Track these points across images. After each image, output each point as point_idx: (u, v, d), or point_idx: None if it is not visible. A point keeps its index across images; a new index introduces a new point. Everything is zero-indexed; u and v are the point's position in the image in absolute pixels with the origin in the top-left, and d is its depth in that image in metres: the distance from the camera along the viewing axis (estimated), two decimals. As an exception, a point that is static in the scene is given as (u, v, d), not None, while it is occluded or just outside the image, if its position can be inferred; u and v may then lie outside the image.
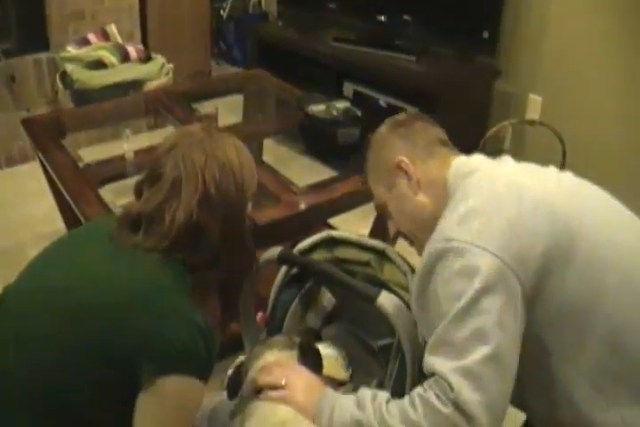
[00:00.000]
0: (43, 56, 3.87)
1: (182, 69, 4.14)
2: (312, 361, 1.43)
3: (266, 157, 3.46)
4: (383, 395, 1.26)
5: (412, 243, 1.51)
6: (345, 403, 1.27)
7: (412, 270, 1.56)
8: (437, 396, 1.13)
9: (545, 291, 1.16)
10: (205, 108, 2.82)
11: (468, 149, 1.48)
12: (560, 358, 1.19)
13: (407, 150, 1.39)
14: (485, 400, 1.09)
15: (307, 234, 1.80)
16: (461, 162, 1.37)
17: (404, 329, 1.41)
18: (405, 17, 3.12)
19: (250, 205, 1.35)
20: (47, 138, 2.43)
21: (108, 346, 1.13)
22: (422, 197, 1.38)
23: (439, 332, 1.14)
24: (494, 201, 1.21)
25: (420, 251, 1.47)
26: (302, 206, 1.95)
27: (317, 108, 2.12)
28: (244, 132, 2.73)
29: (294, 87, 2.84)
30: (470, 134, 2.89)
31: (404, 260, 1.62)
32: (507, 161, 1.39)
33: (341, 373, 1.62)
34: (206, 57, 4.61)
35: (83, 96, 3.53)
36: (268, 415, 1.25)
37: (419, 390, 1.19)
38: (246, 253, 1.35)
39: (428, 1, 3.13)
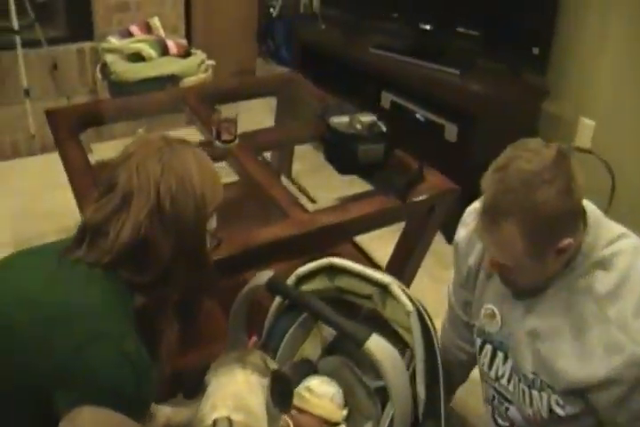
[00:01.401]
0: (86, 46, 3.87)
1: (226, 67, 4.08)
2: (282, 396, 1.32)
3: (297, 165, 3.36)
4: None
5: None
6: None
7: (417, 311, 1.47)
8: None
9: None
10: (237, 109, 2.71)
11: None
12: None
13: (574, 229, 1.29)
14: None
15: (324, 251, 1.68)
16: (597, 225, 1.34)
17: (392, 376, 1.33)
18: (452, 28, 2.95)
19: (214, 222, 1.25)
20: (65, 132, 2.36)
21: (25, 367, 1.05)
22: (558, 265, 1.33)
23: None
24: None
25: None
26: (310, 227, 1.82)
27: (339, 121, 1.98)
28: (275, 137, 2.64)
29: (328, 94, 2.73)
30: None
31: (410, 298, 1.51)
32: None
33: (336, 413, 1.56)
34: (252, 55, 4.55)
35: (119, 88, 3.50)
36: None
37: None
38: (203, 274, 1.25)
39: (478, 12, 2.95)
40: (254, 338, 1.70)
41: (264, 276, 1.50)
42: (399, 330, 1.54)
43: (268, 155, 3.21)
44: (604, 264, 1.30)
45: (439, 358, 1.47)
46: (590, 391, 1.31)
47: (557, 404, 1.37)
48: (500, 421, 1.59)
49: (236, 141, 2.20)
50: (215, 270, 1.27)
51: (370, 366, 1.50)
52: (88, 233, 1.16)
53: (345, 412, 1.57)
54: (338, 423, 1.55)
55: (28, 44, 3.51)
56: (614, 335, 1.26)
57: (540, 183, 1.21)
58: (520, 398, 1.46)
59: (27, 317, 1.08)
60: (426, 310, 1.51)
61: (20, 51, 3.44)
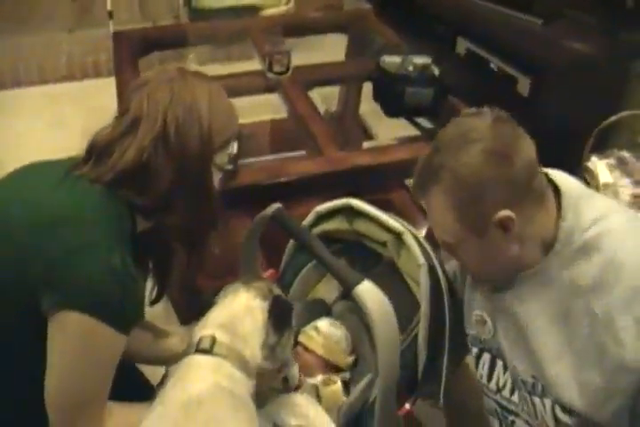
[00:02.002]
0: (174, -31, 3.86)
1: (312, 1, 3.99)
2: (280, 321, 1.29)
3: (366, 104, 3.26)
4: None
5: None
6: None
7: (430, 265, 1.40)
8: None
9: None
10: (303, 43, 2.66)
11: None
12: None
13: (513, 202, 1.13)
14: None
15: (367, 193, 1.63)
16: (576, 206, 1.18)
17: (379, 326, 1.26)
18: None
19: (224, 156, 1.26)
20: (126, 54, 2.37)
21: (18, 267, 1.11)
22: (515, 248, 1.18)
23: None
24: None
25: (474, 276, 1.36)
26: (340, 166, 1.78)
27: (390, 60, 1.89)
28: (330, 73, 2.59)
29: (401, 35, 2.62)
30: (594, 122, 2.52)
31: (425, 250, 1.44)
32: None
33: (341, 357, 1.53)
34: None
35: (199, 15, 3.51)
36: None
37: None
38: (206, 206, 1.26)
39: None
40: (271, 270, 1.70)
41: (272, 208, 1.48)
42: (409, 282, 1.49)
43: (335, 90, 3.16)
44: (586, 249, 1.14)
45: (447, 320, 1.39)
46: (587, 405, 1.16)
47: (563, 411, 1.20)
48: None
49: (288, 74, 2.15)
50: (220, 204, 1.28)
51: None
52: (95, 152, 1.21)
53: (351, 359, 1.53)
54: (342, 370, 1.52)
55: (116, -34, 3.54)
56: (600, 336, 1.11)
57: (463, 143, 1.12)
58: (525, 408, 1.30)
59: (26, 219, 1.15)
60: (443, 266, 1.44)
61: (106, -27, 3.48)
